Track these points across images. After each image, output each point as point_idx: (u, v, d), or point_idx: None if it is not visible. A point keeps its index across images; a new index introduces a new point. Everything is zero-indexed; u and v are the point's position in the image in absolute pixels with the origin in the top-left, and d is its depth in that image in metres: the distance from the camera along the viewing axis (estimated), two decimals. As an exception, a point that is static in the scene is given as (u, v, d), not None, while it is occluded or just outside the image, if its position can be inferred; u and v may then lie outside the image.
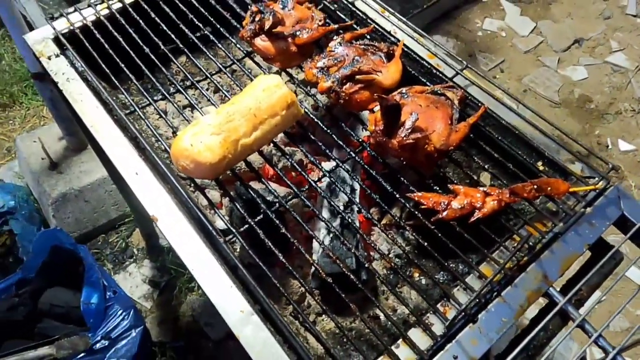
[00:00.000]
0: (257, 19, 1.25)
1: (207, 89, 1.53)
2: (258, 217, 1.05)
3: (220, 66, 1.31)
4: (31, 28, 1.96)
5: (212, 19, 1.38)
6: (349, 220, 1.13)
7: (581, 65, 3.28)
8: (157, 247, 2.41)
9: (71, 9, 1.38)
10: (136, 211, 2.29)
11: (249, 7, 1.34)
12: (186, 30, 1.34)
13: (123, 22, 1.36)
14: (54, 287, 2.13)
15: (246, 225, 1.03)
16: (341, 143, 1.17)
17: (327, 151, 1.19)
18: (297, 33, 1.24)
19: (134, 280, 2.38)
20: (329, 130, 1.20)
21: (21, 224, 2.45)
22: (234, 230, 1.02)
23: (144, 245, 2.44)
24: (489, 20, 3.51)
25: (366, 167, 1.15)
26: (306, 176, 1.14)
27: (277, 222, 1.03)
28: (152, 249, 2.42)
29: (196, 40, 1.33)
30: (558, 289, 1.02)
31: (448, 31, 3.41)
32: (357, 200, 1.20)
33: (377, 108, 1.12)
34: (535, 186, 1.03)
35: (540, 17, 3.55)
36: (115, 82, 1.25)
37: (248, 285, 0.99)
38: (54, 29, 1.32)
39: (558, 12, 3.59)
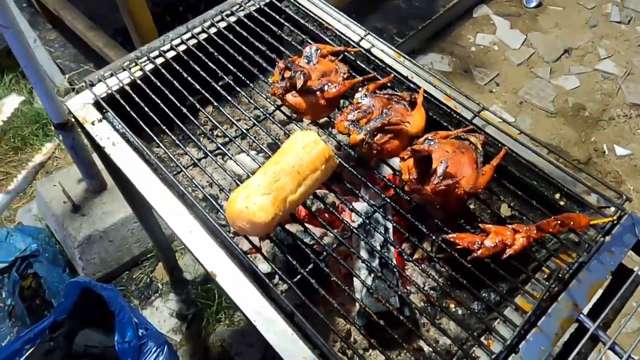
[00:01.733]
0: (286, 75, 1.34)
1: (235, 137, 1.62)
2: (309, 267, 1.13)
3: (245, 113, 1.40)
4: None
5: (233, 69, 1.47)
6: (387, 259, 1.22)
7: (572, 74, 3.41)
8: (181, 280, 2.49)
9: (107, 73, 1.46)
10: (159, 246, 2.36)
11: (276, 61, 1.44)
12: (211, 81, 1.44)
13: (156, 80, 1.45)
14: (86, 328, 2.20)
15: (299, 276, 1.12)
16: (369, 184, 1.27)
17: (357, 192, 1.29)
18: (325, 87, 1.33)
19: (161, 315, 2.44)
20: (356, 172, 1.30)
21: (45, 266, 2.51)
22: (288, 282, 1.11)
23: (168, 279, 2.51)
24: (481, 35, 3.64)
25: (398, 208, 1.25)
26: (345, 221, 1.23)
27: (327, 270, 1.12)
28: (176, 282, 2.49)
29: (220, 90, 1.43)
30: (585, 313, 1.12)
31: (443, 48, 3.54)
32: (392, 239, 1.30)
33: (407, 156, 1.22)
34: (559, 222, 1.13)
35: (529, 29, 3.69)
36: (153, 136, 1.35)
37: (305, 330, 1.08)
38: (94, 94, 1.41)
39: (546, 24, 3.73)
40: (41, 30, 3.37)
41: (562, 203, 1.28)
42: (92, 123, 1.38)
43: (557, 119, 3.16)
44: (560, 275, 1.10)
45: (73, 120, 2.17)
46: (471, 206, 1.45)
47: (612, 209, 1.22)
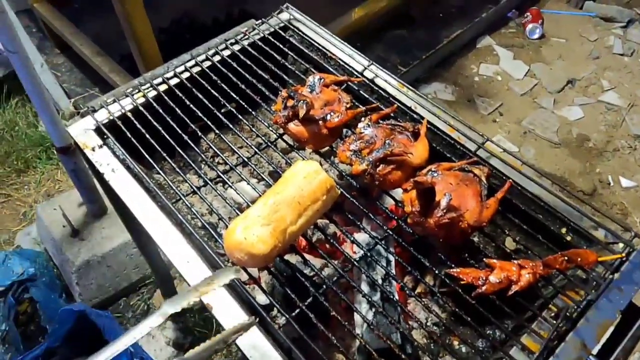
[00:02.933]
0: (289, 104, 1.33)
1: (236, 164, 1.61)
2: (308, 301, 1.10)
3: (247, 141, 1.39)
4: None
5: (236, 97, 1.47)
6: (389, 294, 1.19)
7: (576, 105, 3.41)
8: (179, 308, 2.44)
9: (110, 99, 1.46)
10: (157, 273, 2.33)
11: (279, 90, 1.43)
12: (214, 109, 1.43)
13: (158, 108, 1.44)
14: (81, 355, 2.15)
15: (298, 310, 1.09)
16: (371, 215, 1.25)
17: (359, 223, 1.27)
18: (328, 117, 1.32)
19: (158, 344, 2.39)
20: (357, 202, 1.28)
21: (42, 291, 2.47)
22: (286, 316, 1.07)
23: (166, 307, 2.46)
24: (485, 66, 3.66)
25: (400, 240, 1.22)
26: (346, 254, 1.20)
27: (327, 304, 1.09)
28: (174, 310, 2.43)
29: (222, 117, 1.42)
30: (595, 353, 1.08)
31: (446, 78, 3.56)
32: (394, 272, 1.26)
33: (410, 188, 1.20)
34: (566, 258, 1.10)
35: (532, 60, 3.71)
36: (153, 163, 1.33)
37: (302, 367, 1.03)
38: (96, 120, 1.40)
39: (549, 55, 3.76)
40: (49, 55, 3.41)
41: (568, 238, 1.24)
42: (93, 149, 1.37)
43: (561, 150, 3.15)
44: (568, 313, 1.07)
45: (74, 145, 2.18)
46: (475, 239, 1.42)
47: (621, 245, 1.18)
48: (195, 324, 2.38)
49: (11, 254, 2.57)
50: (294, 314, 1.08)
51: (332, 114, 1.33)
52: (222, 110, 1.45)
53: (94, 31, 3.25)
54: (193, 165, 1.39)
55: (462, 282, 1.11)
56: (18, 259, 2.53)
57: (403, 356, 1.04)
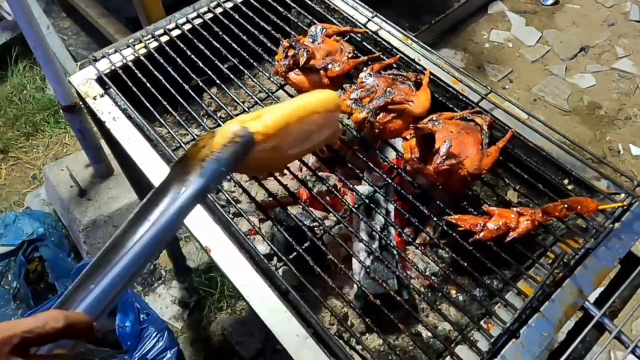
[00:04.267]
0: (290, 54, 1.32)
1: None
2: (305, 244, 1.11)
3: (251, 94, 1.38)
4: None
5: (241, 51, 1.45)
6: (387, 241, 1.19)
7: (588, 72, 3.34)
8: (185, 268, 2.48)
9: (111, 50, 1.45)
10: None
11: (280, 41, 1.42)
12: (217, 63, 1.42)
13: (160, 58, 1.43)
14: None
15: (294, 253, 1.09)
16: (373, 167, 1.24)
17: (361, 175, 1.27)
18: (329, 66, 1.31)
19: (164, 302, 2.43)
20: (360, 154, 1.27)
21: (51, 250, 2.52)
22: (284, 258, 1.08)
23: (172, 267, 2.50)
24: (496, 32, 3.58)
25: (401, 190, 1.22)
26: (345, 202, 1.20)
27: (324, 248, 1.10)
28: (179, 270, 2.48)
29: (227, 71, 1.41)
30: (592, 302, 1.08)
31: (456, 44, 3.49)
32: (393, 221, 1.26)
33: (410, 136, 1.19)
34: (566, 205, 1.09)
35: (545, 27, 3.62)
36: (157, 115, 1.33)
37: (300, 309, 1.05)
38: (97, 69, 1.40)
39: (562, 21, 3.67)
40: (55, 19, 3.40)
41: (570, 188, 1.23)
42: (94, 98, 1.37)
43: (571, 117, 3.10)
44: (565, 260, 1.06)
45: (80, 103, 2.18)
46: (477, 189, 1.41)
47: (623, 195, 1.17)
48: (200, 283, 2.41)
49: (21, 214, 2.62)
50: (291, 256, 1.08)
51: (333, 63, 1.32)
52: (225, 65, 1.44)
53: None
54: (197, 117, 1.38)
55: (460, 229, 1.11)
56: (28, 220, 2.58)
57: (401, 301, 1.04)
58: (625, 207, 1.14)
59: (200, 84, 1.40)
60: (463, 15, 3.59)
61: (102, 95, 1.38)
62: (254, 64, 1.44)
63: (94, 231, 2.38)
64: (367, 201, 1.20)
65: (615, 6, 3.75)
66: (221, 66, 1.43)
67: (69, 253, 2.55)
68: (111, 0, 3.25)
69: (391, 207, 1.30)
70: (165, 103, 1.35)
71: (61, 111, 2.97)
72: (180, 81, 1.39)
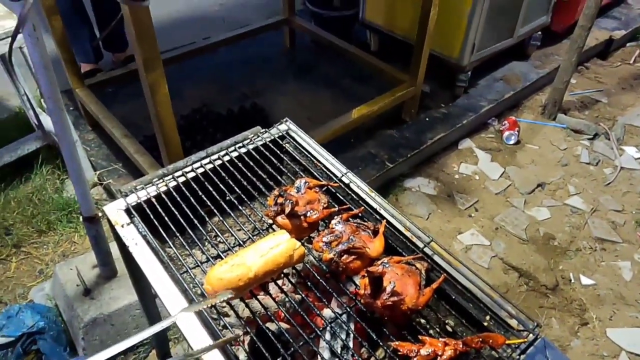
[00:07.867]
0: (279, 201, 1.71)
1: (233, 245, 1.97)
2: (278, 359, 1.41)
3: (242, 226, 1.76)
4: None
5: (238, 190, 1.86)
6: (345, 360, 1.49)
7: (544, 206, 3.80)
8: (171, 368, 2.68)
9: (139, 186, 1.85)
10: (155, 334, 2.59)
11: (273, 189, 1.82)
12: (219, 198, 1.82)
13: (177, 196, 1.83)
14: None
15: (269, 365, 1.39)
16: (336, 297, 1.58)
17: (327, 303, 1.60)
18: (308, 213, 1.70)
19: (147, 401, 2.61)
20: (327, 285, 1.61)
21: (49, 344, 2.74)
22: (260, 369, 1.38)
23: (158, 367, 2.70)
24: (465, 165, 4.10)
25: (356, 318, 1.54)
26: (314, 326, 1.52)
27: (292, 363, 1.40)
28: (165, 370, 2.68)
29: (225, 206, 1.80)
30: (503, 421, 1.36)
31: (429, 174, 3.98)
32: (351, 344, 1.57)
33: (364, 275, 1.55)
34: (480, 339, 1.42)
35: (507, 163, 4.16)
36: (167, 239, 1.70)
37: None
38: (127, 202, 1.79)
39: (522, 159, 4.21)
40: (82, 131, 3.89)
41: (492, 323, 1.56)
42: (122, 226, 1.74)
43: (528, 246, 3.48)
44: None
45: (100, 215, 2.55)
46: (421, 320, 1.73)
47: (526, 332, 1.50)
48: (183, 385, 2.60)
49: (24, 307, 2.87)
50: (266, 368, 1.38)
51: (312, 211, 1.71)
52: (227, 198, 1.84)
53: (122, 111, 3.77)
54: (198, 242, 1.74)
55: (399, 354, 1.42)
56: (30, 313, 2.82)
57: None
58: (529, 342, 1.47)
59: (204, 215, 1.78)
60: (436, 150, 4.13)
61: (128, 224, 1.75)
62: (249, 202, 1.83)
63: (92, 328, 2.62)
64: (330, 325, 1.52)
65: (568, 149, 4.33)
66: (222, 202, 1.82)
67: (65, 348, 2.76)
68: (130, 117, 3.78)
69: (350, 332, 1.61)
70: (174, 229, 1.71)
71: (75, 213, 3.34)
72: (189, 213, 1.78)
